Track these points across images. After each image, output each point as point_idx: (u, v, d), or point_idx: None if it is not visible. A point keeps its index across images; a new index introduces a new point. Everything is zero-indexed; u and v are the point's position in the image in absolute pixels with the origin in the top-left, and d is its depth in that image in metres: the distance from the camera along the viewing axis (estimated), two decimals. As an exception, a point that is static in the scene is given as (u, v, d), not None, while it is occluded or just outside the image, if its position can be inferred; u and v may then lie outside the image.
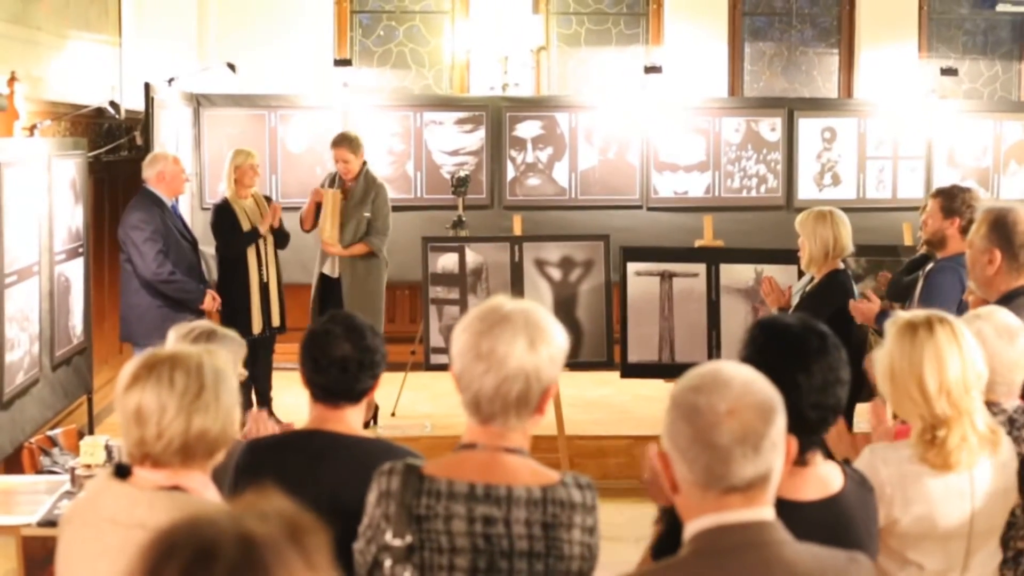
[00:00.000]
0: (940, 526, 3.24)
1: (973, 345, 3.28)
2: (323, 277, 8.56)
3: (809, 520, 2.51)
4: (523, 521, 2.52)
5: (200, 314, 7.48)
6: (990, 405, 3.53)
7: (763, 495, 2.20)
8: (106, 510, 2.61)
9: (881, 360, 3.33)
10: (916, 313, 3.36)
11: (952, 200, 5.97)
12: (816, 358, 2.69)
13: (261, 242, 8.27)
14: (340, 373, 3.38)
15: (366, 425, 8.26)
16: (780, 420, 2.20)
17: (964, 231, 5.76)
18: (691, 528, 2.22)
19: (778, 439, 2.19)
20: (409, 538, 2.52)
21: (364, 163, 8.51)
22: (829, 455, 2.91)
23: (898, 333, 3.29)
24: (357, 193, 8.43)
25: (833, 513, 2.70)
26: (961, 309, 5.64)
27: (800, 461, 2.68)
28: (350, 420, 3.44)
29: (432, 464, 2.62)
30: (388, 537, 2.54)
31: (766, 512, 2.22)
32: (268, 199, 8.62)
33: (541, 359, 2.53)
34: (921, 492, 3.21)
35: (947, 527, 3.25)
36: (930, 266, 6.14)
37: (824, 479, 2.75)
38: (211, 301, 7.72)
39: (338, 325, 3.44)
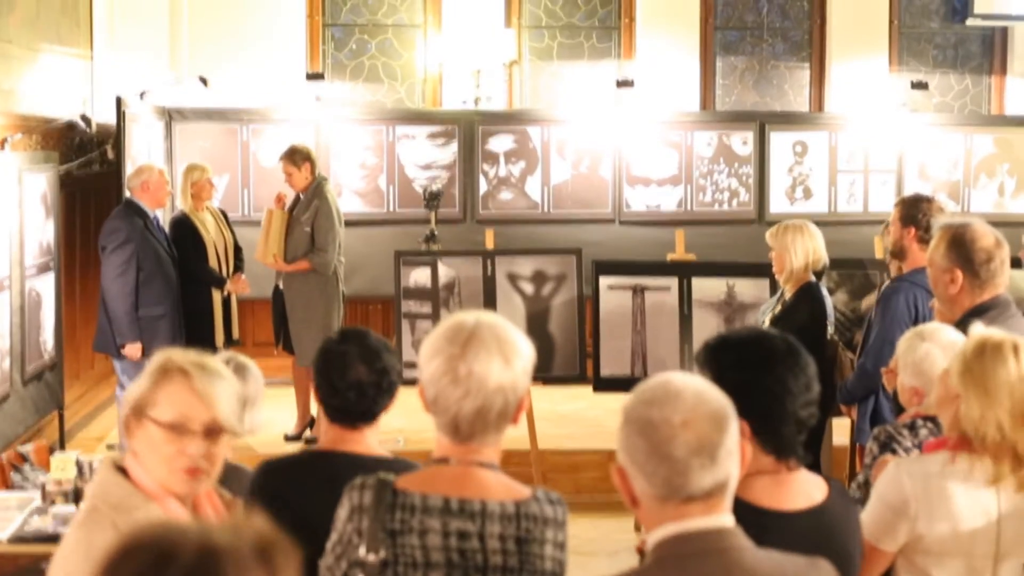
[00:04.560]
0: (965, 543, 3.20)
1: None
2: (276, 289, 8.62)
3: (793, 530, 2.52)
4: (497, 536, 2.52)
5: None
6: (933, 420, 3.55)
7: (722, 502, 2.23)
8: None
9: (954, 369, 3.25)
10: (998, 333, 3.30)
11: (909, 208, 5.86)
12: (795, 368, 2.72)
13: (222, 258, 8.32)
14: (357, 396, 3.36)
15: (299, 435, 8.32)
16: (733, 427, 2.22)
17: (920, 240, 5.74)
18: (653, 537, 2.24)
19: (733, 446, 2.22)
20: (383, 553, 2.51)
21: (315, 177, 8.49)
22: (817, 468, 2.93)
23: (979, 347, 3.23)
24: (300, 207, 8.45)
25: (817, 524, 2.70)
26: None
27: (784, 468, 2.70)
28: (368, 440, 3.43)
29: (404, 479, 2.61)
30: (361, 552, 2.52)
31: (725, 519, 2.24)
32: (224, 214, 8.63)
33: (516, 374, 2.55)
34: (947, 508, 3.17)
35: (972, 545, 3.20)
36: (885, 285, 6.09)
37: (807, 490, 2.76)
38: (132, 352, 7.60)
39: (353, 346, 3.39)
